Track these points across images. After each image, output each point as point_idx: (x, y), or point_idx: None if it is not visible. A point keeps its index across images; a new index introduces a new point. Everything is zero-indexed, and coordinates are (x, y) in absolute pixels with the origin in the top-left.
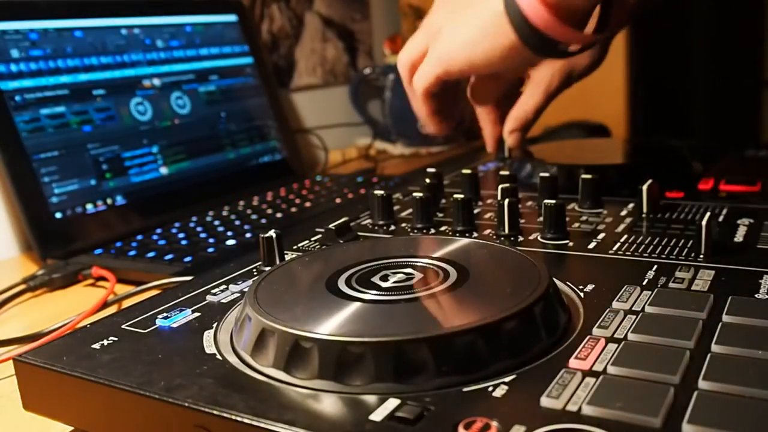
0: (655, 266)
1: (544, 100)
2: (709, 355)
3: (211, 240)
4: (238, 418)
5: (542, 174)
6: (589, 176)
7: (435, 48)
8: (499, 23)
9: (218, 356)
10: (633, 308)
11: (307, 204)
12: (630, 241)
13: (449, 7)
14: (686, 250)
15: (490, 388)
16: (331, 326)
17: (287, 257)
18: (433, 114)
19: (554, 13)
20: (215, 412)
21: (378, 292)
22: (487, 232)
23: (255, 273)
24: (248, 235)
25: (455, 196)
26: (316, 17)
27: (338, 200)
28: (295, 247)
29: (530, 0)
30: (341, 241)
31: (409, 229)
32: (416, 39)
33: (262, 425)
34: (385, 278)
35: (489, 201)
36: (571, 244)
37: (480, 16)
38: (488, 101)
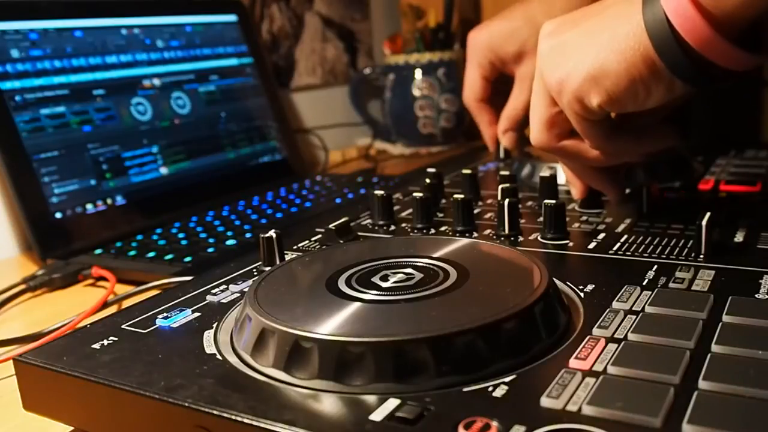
0: (655, 266)
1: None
2: (709, 355)
3: (211, 240)
4: (238, 418)
5: (542, 174)
6: None
7: (553, 72)
8: (636, 40)
9: (218, 356)
10: (633, 308)
11: (307, 204)
12: (630, 241)
13: (572, 18)
14: (686, 250)
15: (490, 388)
16: (331, 326)
17: (287, 257)
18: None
19: (715, 26)
20: (215, 412)
21: (378, 292)
22: (487, 232)
23: (255, 273)
24: (248, 235)
25: (455, 196)
26: (316, 17)
27: (338, 200)
28: (295, 247)
29: (680, 5)
30: (341, 241)
31: (409, 229)
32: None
33: (262, 425)
34: (385, 278)
35: (489, 201)
36: (571, 244)
37: (611, 30)
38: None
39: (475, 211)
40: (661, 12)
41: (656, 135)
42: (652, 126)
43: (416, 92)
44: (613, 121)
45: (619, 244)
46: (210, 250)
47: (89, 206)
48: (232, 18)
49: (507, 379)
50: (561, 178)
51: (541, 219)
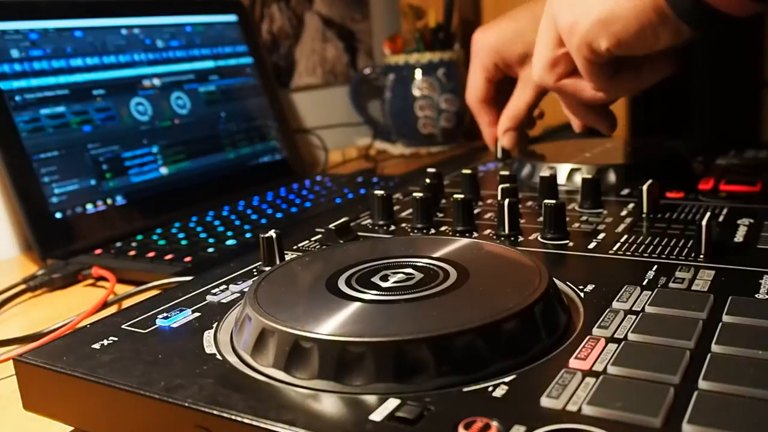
0: (655, 266)
1: (535, 97)
2: (709, 355)
3: (211, 240)
4: (238, 418)
5: (542, 174)
6: (589, 176)
7: (565, 21)
8: (652, 8)
9: (218, 356)
10: (633, 308)
11: (307, 204)
12: (630, 241)
13: None
14: (686, 250)
15: (490, 388)
16: (331, 326)
17: (287, 257)
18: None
19: None
20: (215, 412)
21: (378, 292)
22: (487, 232)
23: (255, 273)
24: (248, 235)
25: (455, 196)
26: (316, 17)
27: (338, 200)
28: (295, 247)
29: None
30: (341, 241)
31: (409, 229)
32: (543, 35)
33: (262, 425)
34: (385, 278)
35: (489, 201)
36: (571, 244)
37: None
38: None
39: (475, 211)
40: None
41: (653, 67)
42: (649, 60)
43: (416, 92)
44: (615, 63)
45: (619, 244)
46: (210, 250)
47: (89, 206)
48: (232, 18)
49: (507, 379)
50: (561, 178)
51: (541, 219)
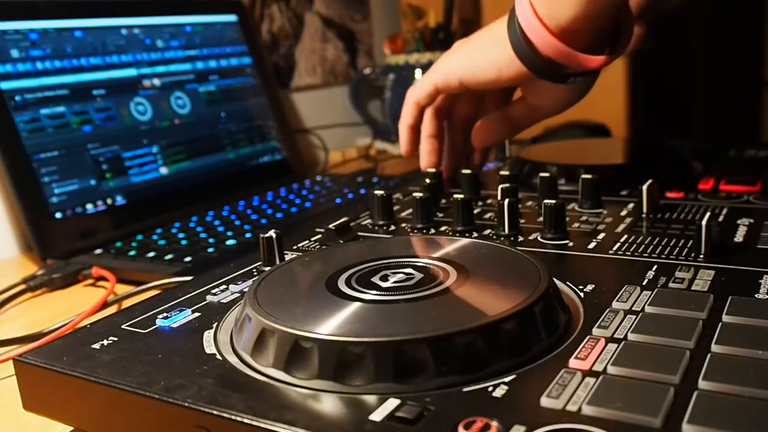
0: (655, 266)
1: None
2: (709, 355)
3: (211, 240)
4: (238, 418)
5: (542, 174)
6: (589, 176)
7: (437, 63)
8: (508, 55)
9: (218, 356)
10: (633, 308)
11: (307, 204)
12: (630, 241)
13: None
14: (686, 250)
15: (490, 388)
16: (331, 326)
17: (287, 257)
18: (411, 128)
19: (562, 39)
20: (215, 412)
21: (378, 292)
22: (487, 232)
23: (255, 273)
24: (248, 235)
25: (455, 196)
26: (316, 17)
27: (338, 200)
28: (295, 247)
29: (535, 27)
30: (341, 241)
31: (409, 229)
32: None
33: (262, 425)
34: (385, 278)
35: (489, 201)
36: (571, 244)
37: (488, 45)
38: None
39: (475, 211)
40: (518, 26)
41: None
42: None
43: None
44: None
45: (619, 244)
46: (210, 250)
47: (89, 206)
48: (232, 18)
49: (507, 379)
50: (561, 178)
51: (541, 219)
